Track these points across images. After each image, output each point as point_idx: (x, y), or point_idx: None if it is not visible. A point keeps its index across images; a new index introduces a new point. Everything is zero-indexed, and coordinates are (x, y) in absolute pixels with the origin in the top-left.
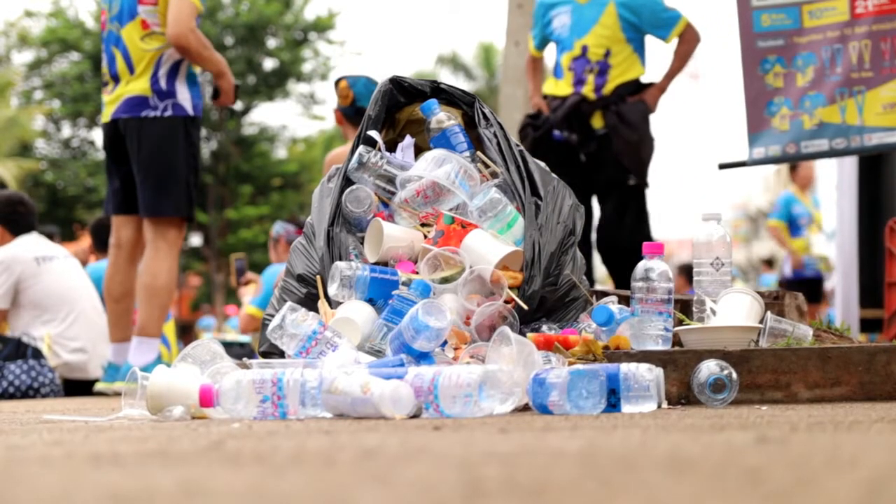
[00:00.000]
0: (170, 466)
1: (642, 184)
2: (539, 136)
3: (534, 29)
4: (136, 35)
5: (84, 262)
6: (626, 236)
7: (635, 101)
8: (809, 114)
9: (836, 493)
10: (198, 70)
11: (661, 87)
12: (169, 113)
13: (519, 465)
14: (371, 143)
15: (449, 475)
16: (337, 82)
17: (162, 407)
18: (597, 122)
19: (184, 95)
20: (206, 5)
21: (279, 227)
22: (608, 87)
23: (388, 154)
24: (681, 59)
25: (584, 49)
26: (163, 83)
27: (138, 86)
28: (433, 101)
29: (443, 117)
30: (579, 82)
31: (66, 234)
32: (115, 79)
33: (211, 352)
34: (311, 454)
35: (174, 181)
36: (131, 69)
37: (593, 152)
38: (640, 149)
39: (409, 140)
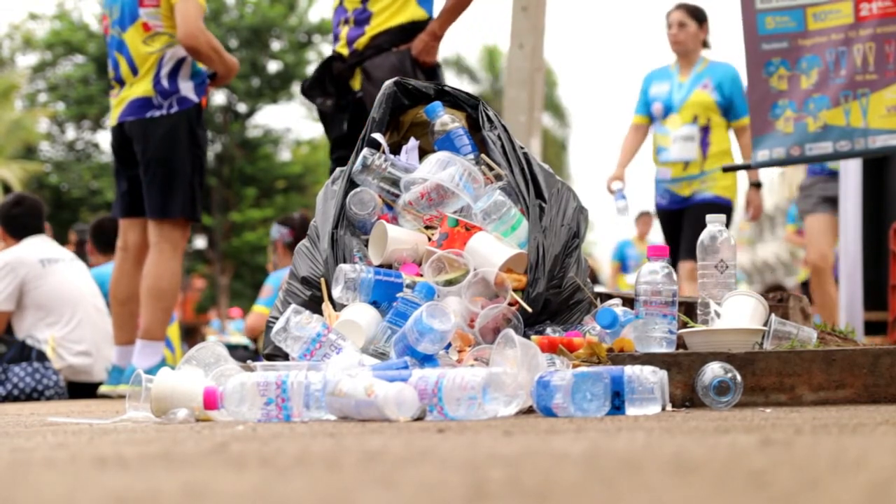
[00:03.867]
0: (174, 469)
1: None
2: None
3: None
4: (139, 38)
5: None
6: None
7: (397, 52)
8: (814, 116)
9: (840, 496)
10: (202, 65)
11: (431, 32)
12: (175, 109)
13: (523, 468)
14: (375, 145)
15: (453, 477)
16: None
17: (166, 409)
18: (356, 83)
19: (186, 86)
20: (210, 7)
21: (274, 231)
22: (362, 41)
23: (392, 157)
24: None
25: None
26: (165, 83)
27: (141, 87)
28: (437, 104)
29: (447, 120)
30: (335, 38)
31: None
32: (120, 82)
33: (215, 354)
34: (316, 457)
35: (179, 182)
36: (135, 72)
37: (352, 121)
38: None
39: (413, 143)
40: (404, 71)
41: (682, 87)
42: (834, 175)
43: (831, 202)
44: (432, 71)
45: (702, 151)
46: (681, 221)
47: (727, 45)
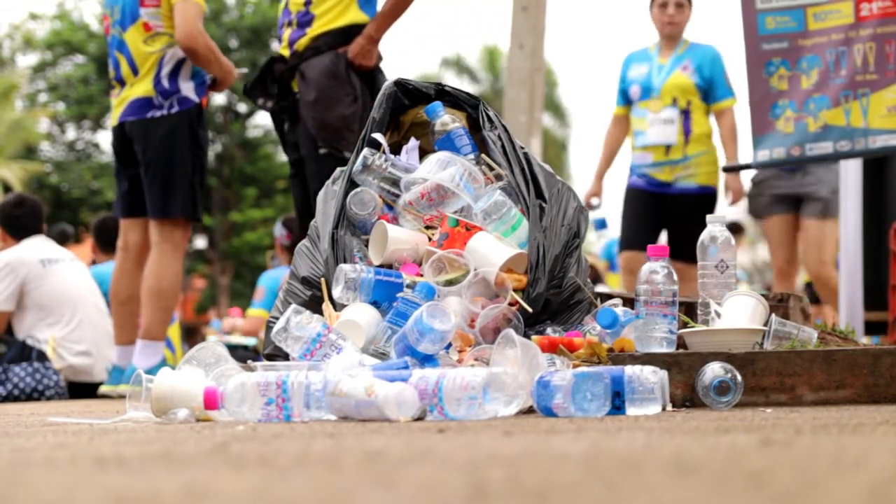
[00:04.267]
0: (174, 469)
1: (335, 153)
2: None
3: None
4: (139, 38)
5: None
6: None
7: (332, 54)
8: (814, 116)
9: (840, 496)
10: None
11: (368, 36)
12: (175, 109)
13: (523, 468)
14: (375, 145)
15: (453, 477)
16: None
17: (166, 409)
18: (295, 84)
19: (187, 87)
20: (211, 7)
21: (276, 230)
22: (302, 42)
23: (392, 156)
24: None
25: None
26: (165, 83)
27: (142, 87)
28: (438, 104)
29: (447, 120)
30: (279, 39)
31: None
32: (121, 82)
33: (215, 354)
34: (316, 457)
35: (180, 182)
36: (135, 72)
37: (292, 122)
38: (318, 109)
39: (413, 143)
40: (337, 73)
41: (662, 69)
42: (790, 171)
43: (786, 200)
44: (370, 75)
45: (683, 135)
46: (660, 208)
47: (728, 45)
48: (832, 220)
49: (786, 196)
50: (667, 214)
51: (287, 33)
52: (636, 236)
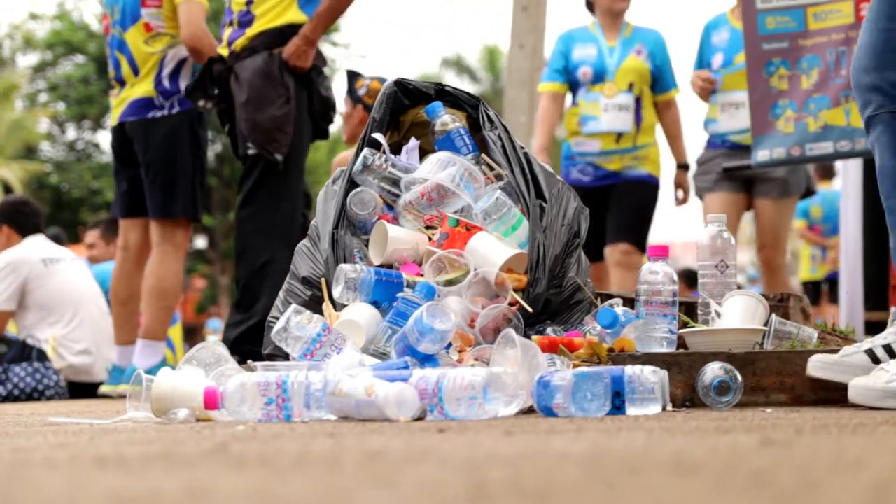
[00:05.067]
0: (175, 469)
1: (266, 155)
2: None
3: None
4: (140, 38)
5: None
6: (247, 225)
7: (266, 54)
8: (814, 116)
9: (840, 496)
10: None
11: (303, 37)
12: (176, 109)
13: (524, 468)
14: (376, 145)
15: (454, 478)
16: (358, 80)
17: (167, 409)
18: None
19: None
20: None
21: None
22: (240, 42)
23: (392, 156)
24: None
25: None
26: (166, 83)
27: (143, 88)
28: (438, 104)
29: (447, 120)
30: (220, 39)
31: (70, 237)
32: (121, 82)
33: (215, 354)
34: (316, 457)
35: (181, 183)
36: (136, 72)
37: (232, 123)
38: (249, 110)
39: (413, 143)
40: (270, 74)
41: (613, 52)
42: (737, 149)
43: (735, 179)
44: (306, 76)
45: (636, 123)
46: (606, 201)
47: None
48: (789, 201)
49: (736, 175)
50: (612, 201)
51: (227, 33)
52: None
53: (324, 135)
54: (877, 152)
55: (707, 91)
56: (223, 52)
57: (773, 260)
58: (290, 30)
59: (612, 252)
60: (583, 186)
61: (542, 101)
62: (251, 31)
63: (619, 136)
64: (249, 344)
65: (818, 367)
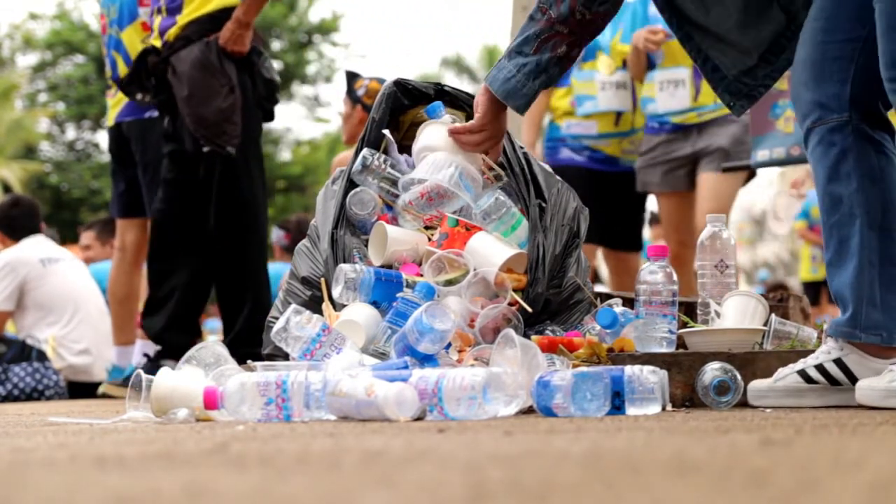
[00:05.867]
0: (174, 469)
1: (218, 150)
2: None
3: None
4: (137, 37)
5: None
6: (222, 224)
7: (201, 43)
8: None
9: (840, 496)
10: None
11: (236, 20)
12: None
13: (524, 468)
14: (376, 145)
15: (454, 477)
16: (357, 80)
17: (166, 409)
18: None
19: None
20: None
21: (272, 234)
22: (172, 31)
23: (391, 157)
24: None
25: None
26: None
27: None
28: (438, 104)
29: (447, 120)
30: (150, 30)
31: (70, 237)
32: (118, 82)
33: (215, 354)
34: (316, 456)
35: None
36: None
37: (172, 116)
38: (193, 104)
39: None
40: (209, 64)
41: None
42: (679, 130)
43: (683, 168)
44: (246, 60)
45: (632, 103)
46: (600, 186)
47: None
48: (735, 176)
49: (682, 161)
50: (608, 194)
51: (157, 21)
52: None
53: (270, 117)
54: (811, 164)
55: (652, 50)
56: (156, 42)
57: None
58: (223, 14)
59: (609, 256)
60: (576, 166)
61: None
62: (182, 19)
63: (619, 116)
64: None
65: (755, 396)
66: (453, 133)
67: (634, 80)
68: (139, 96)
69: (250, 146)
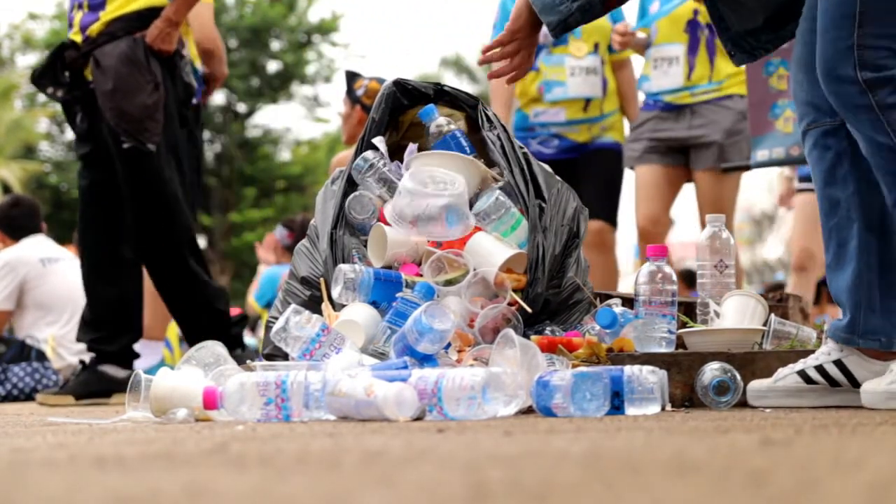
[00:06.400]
0: (174, 469)
1: (139, 146)
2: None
3: None
4: None
5: None
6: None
7: (129, 39)
8: None
9: (840, 496)
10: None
11: (166, 18)
12: None
13: (523, 468)
14: (373, 149)
15: (453, 477)
16: (357, 80)
17: (166, 409)
18: (89, 72)
19: None
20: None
21: (277, 232)
22: (95, 27)
23: (385, 166)
24: None
25: None
26: None
27: None
28: (431, 107)
29: (442, 122)
30: (70, 24)
31: (70, 237)
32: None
33: (214, 354)
34: (316, 456)
35: None
36: None
37: (85, 113)
38: (116, 99)
39: (412, 147)
40: (136, 60)
41: None
42: (671, 110)
43: (668, 150)
44: (170, 60)
45: (602, 88)
46: (571, 174)
47: None
48: (732, 174)
49: (669, 143)
50: (579, 174)
51: (78, 17)
52: None
53: (185, 122)
54: (810, 166)
55: (638, 45)
56: (75, 37)
57: None
58: (150, 13)
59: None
60: (544, 159)
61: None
62: (106, 16)
63: (588, 102)
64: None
65: (755, 396)
66: (486, 57)
67: (641, 55)
68: (50, 90)
69: (169, 146)
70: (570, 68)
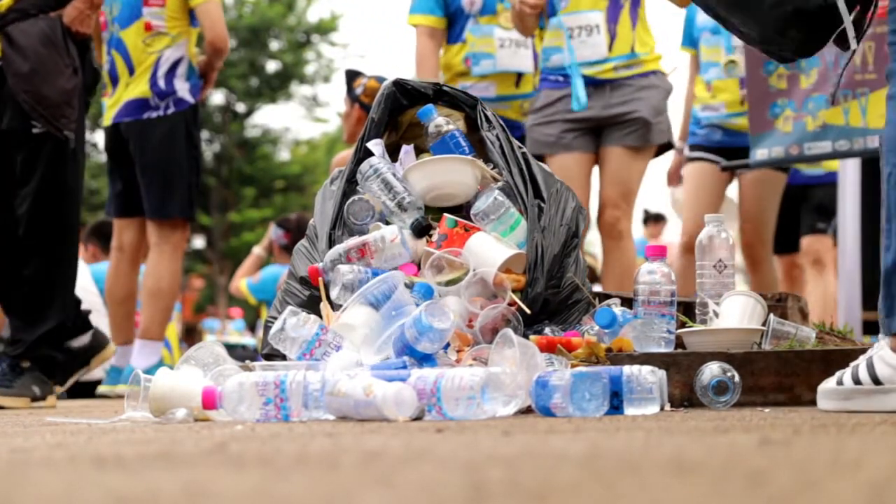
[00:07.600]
0: (173, 469)
1: (55, 133)
2: None
3: None
4: (139, 37)
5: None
6: (39, 216)
7: (47, 18)
8: (813, 116)
9: (839, 496)
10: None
11: (88, 0)
12: (171, 110)
13: (522, 468)
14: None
15: (452, 478)
16: (356, 79)
17: (165, 409)
18: None
19: (182, 87)
20: None
21: (272, 232)
22: (5, 3)
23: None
24: None
25: None
26: (161, 84)
27: (138, 88)
28: (429, 107)
29: (441, 122)
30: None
31: None
32: (115, 81)
33: (214, 354)
34: (315, 456)
35: (178, 183)
36: (131, 71)
37: None
38: (34, 82)
39: (407, 147)
40: (54, 40)
41: None
42: (590, 85)
43: (586, 131)
44: (83, 45)
45: (534, 62)
46: None
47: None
48: (647, 151)
49: (585, 123)
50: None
51: None
52: None
53: (86, 109)
54: (889, 110)
55: (528, 14)
56: None
57: (616, 225)
58: None
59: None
60: None
61: (418, 38)
62: None
63: (520, 77)
64: (48, 348)
65: (822, 397)
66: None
67: (524, 36)
68: None
69: (80, 133)
70: (500, 40)
